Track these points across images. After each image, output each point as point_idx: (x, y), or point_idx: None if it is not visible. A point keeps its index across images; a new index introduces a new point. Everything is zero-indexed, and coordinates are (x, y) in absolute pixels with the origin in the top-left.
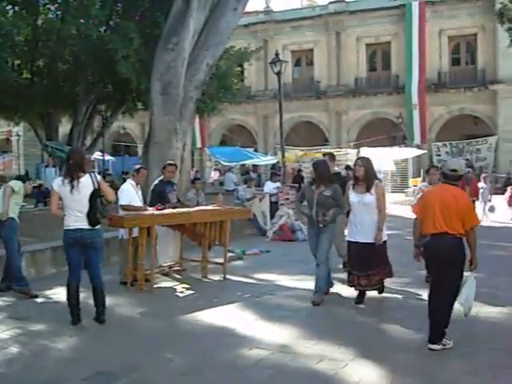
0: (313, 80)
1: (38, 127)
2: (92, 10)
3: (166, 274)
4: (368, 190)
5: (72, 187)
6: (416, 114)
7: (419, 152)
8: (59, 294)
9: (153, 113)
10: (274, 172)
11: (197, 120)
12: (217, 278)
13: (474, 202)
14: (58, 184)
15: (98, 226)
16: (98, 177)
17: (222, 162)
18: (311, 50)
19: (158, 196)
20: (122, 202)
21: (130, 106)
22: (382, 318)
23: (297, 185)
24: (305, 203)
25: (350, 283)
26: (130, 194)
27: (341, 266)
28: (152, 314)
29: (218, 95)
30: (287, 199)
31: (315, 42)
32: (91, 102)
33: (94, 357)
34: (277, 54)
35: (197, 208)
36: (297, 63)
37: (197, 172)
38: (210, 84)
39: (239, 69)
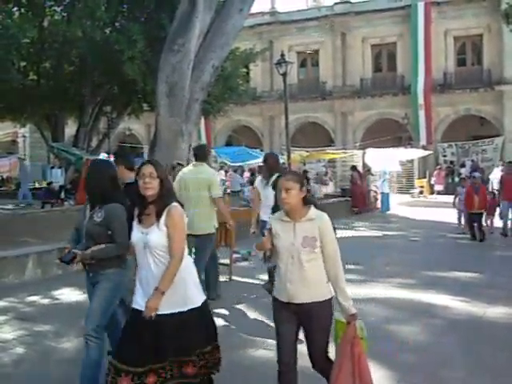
0: (318, 81)
1: (44, 128)
2: (97, 11)
3: None
4: (158, 220)
5: (264, 186)
6: (422, 114)
7: (425, 153)
8: (65, 294)
9: (159, 114)
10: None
11: (202, 121)
12: (223, 278)
13: (481, 214)
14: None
15: None
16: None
17: (227, 163)
18: (317, 51)
19: None
20: None
21: (135, 107)
22: (385, 317)
23: None
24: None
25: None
26: None
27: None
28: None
29: (224, 96)
30: None
31: (321, 43)
32: (97, 103)
33: None
34: (282, 55)
35: None
36: (302, 64)
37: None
38: (216, 85)
39: (245, 70)
